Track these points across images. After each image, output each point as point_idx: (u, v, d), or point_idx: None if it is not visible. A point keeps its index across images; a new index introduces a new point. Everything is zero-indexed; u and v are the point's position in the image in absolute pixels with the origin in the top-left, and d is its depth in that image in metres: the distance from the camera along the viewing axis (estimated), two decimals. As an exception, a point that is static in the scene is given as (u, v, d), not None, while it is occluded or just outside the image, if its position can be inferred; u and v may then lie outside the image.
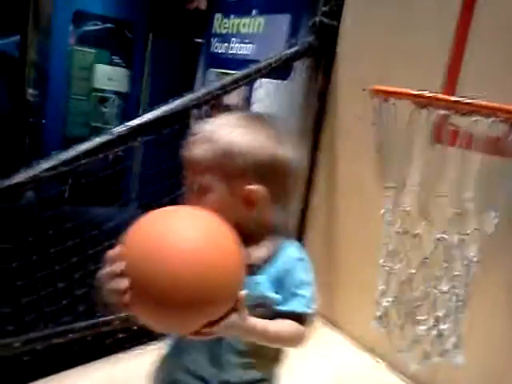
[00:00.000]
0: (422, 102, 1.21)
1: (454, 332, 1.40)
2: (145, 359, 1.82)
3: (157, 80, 4.72)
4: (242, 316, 0.77)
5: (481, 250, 1.34)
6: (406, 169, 1.42)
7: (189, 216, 0.76)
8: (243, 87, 1.88)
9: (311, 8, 2.04)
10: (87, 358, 1.77)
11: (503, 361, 1.59)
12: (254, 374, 0.89)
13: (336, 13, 1.96)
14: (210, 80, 3.06)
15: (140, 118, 1.61)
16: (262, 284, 0.84)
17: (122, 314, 1.87)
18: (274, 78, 2.09)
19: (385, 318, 1.53)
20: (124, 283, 0.68)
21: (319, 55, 2.02)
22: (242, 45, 2.81)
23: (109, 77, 4.65)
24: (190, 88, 2.90)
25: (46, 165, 1.46)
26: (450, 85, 1.68)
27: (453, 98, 1.16)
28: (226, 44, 3.00)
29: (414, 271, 1.45)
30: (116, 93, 4.71)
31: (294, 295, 0.84)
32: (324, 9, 1.95)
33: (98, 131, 4.48)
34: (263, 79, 2.02)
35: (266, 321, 0.82)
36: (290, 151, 0.86)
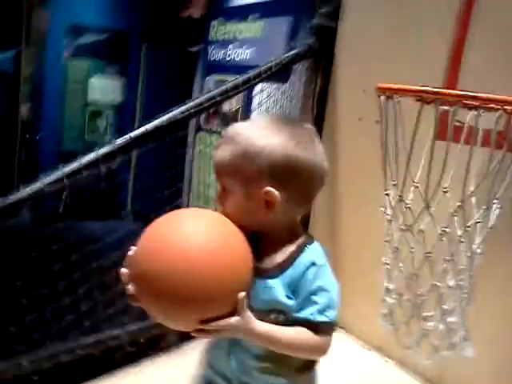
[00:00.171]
0: (427, 98, 1.19)
1: (461, 325, 1.39)
2: (154, 372, 1.82)
3: (152, 89, 4.71)
4: (243, 318, 0.76)
5: (484, 242, 1.33)
6: (408, 165, 1.40)
7: (191, 217, 0.81)
8: (243, 92, 1.86)
9: (311, 10, 2.04)
10: (96, 373, 1.74)
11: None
12: (278, 381, 0.86)
13: (334, 14, 1.96)
14: (209, 87, 3.05)
15: (142, 127, 1.59)
16: (276, 289, 0.82)
17: (130, 329, 1.86)
18: (273, 82, 2.08)
19: (391, 316, 1.52)
20: (130, 285, 0.76)
21: (318, 57, 2.01)
22: (240, 50, 2.80)
23: (103, 88, 4.64)
24: (186, 96, 2.89)
25: (48, 179, 1.44)
26: (451, 82, 1.68)
27: (459, 92, 1.15)
28: (224, 50, 2.98)
29: (418, 267, 1.44)
30: (110, 105, 4.70)
31: (308, 302, 0.81)
32: (322, 10, 1.94)
33: (92, 145, 4.51)
34: (263, 83, 2.01)
35: (277, 327, 0.80)
36: (313, 153, 0.83)
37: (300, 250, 0.83)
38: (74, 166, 1.53)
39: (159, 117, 1.67)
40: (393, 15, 1.90)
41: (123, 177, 3.86)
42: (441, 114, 1.26)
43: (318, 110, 2.06)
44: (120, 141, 1.58)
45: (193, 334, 0.77)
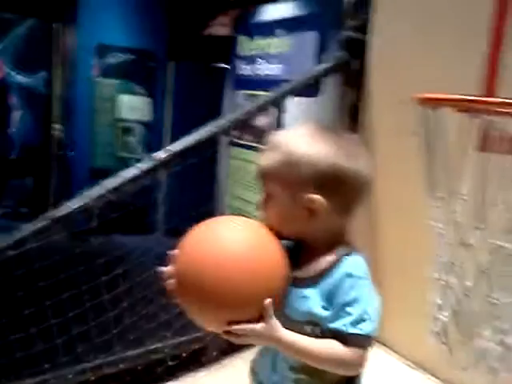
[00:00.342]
0: (472, 107, 1.19)
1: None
2: (194, 387, 1.83)
3: (179, 106, 4.80)
4: (269, 325, 0.77)
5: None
6: (454, 178, 1.39)
7: (230, 224, 0.84)
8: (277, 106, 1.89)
9: (338, 24, 2.06)
10: (138, 387, 1.76)
11: None
12: None
13: (363, 27, 1.98)
14: (239, 102, 3.09)
15: (181, 142, 1.63)
16: (311, 299, 0.81)
17: (171, 343, 1.88)
18: (304, 96, 2.10)
19: (444, 334, 1.47)
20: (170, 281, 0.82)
21: (349, 70, 2.02)
22: (269, 65, 2.84)
23: (132, 106, 4.75)
24: (213, 112, 2.94)
25: (95, 193, 1.49)
26: (490, 90, 1.66)
27: (509, 101, 1.14)
28: (253, 65, 3.03)
29: (471, 283, 1.40)
30: (139, 122, 4.80)
31: (342, 312, 0.79)
32: (352, 24, 1.96)
33: (123, 161, 4.62)
34: (294, 97, 2.03)
35: (305, 337, 0.80)
36: (358, 163, 0.83)
37: (339, 260, 0.82)
38: (117, 180, 1.57)
39: (196, 131, 1.70)
40: (423, 24, 1.89)
41: (156, 192, 3.92)
42: (484, 124, 1.25)
43: (350, 123, 2.07)
44: (162, 155, 1.62)
45: (222, 336, 0.80)
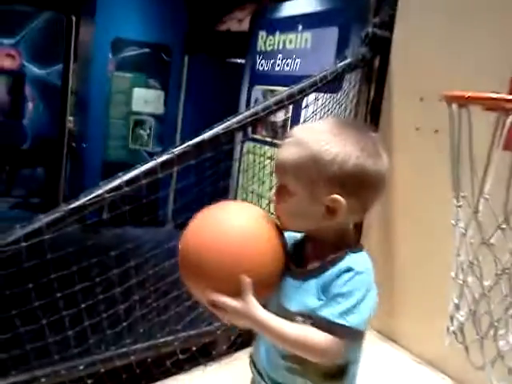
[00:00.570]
0: (499, 106, 1.15)
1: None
2: (204, 380, 1.82)
3: (193, 100, 4.79)
4: (246, 303, 0.78)
5: None
6: (477, 177, 1.35)
7: (233, 209, 0.90)
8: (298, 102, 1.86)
9: (360, 20, 2.03)
10: (148, 379, 1.75)
11: None
12: None
13: (388, 24, 1.94)
14: (256, 97, 3.07)
15: (199, 137, 1.61)
16: (309, 291, 0.82)
17: (181, 336, 1.87)
18: (324, 92, 2.07)
19: (461, 333, 1.45)
20: None
21: (372, 66, 1.99)
22: (288, 61, 2.81)
23: (145, 100, 4.75)
24: (228, 106, 2.93)
25: (110, 186, 1.47)
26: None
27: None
28: (272, 61, 3.01)
29: (491, 283, 1.37)
30: (152, 115, 4.81)
31: (332, 302, 0.79)
32: (376, 20, 1.93)
33: (136, 154, 4.62)
34: (314, 93, 2.00)
35: (283, 320, 0.80)
36: (380, 164, 0.83)
37: (342, 255, 0.82)
38: (133, 173, 1.55)
39: (214, 127, 1.68)
40: (449, 22, 1.86)
41: (166, 185, 3.92)
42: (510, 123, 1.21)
43: (371, 120, 2.04)
44: (178, 149, 1.60)
45: (207, 307, 0.83)
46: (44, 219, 1.43)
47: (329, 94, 2.13)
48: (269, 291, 0.84)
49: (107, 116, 4.63)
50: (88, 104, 4.62)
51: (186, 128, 4.72)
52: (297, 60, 2.77)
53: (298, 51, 2.76)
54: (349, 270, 0.80)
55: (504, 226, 1.31)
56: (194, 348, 1.85)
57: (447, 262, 1.47)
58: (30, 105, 5.41)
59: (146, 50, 4.65)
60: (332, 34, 2.45)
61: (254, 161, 2.36)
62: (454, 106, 1.19)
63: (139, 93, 4.73)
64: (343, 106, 2.05)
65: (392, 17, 1.94)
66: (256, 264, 0.81)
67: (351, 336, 0.79)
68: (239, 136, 2.39)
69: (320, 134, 0.83)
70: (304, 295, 0.82)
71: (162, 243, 1.91)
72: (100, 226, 2.23)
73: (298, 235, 0.91)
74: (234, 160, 2.83)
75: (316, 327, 0.79)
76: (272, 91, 2.75)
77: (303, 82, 1.76)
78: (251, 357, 0.96)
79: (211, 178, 2.08)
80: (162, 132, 4.85)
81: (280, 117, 2.63)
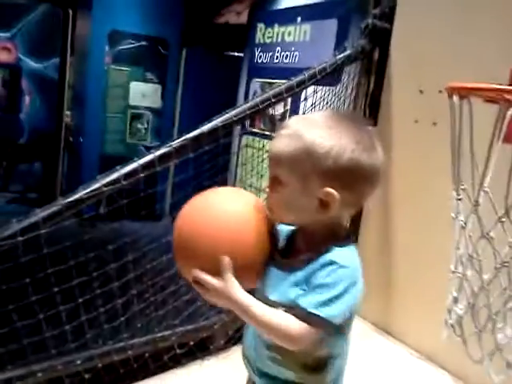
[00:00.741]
0: (500, 98, 1.14)
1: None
2: (201, 375, 1.81)
3: (189, 94, 4.76)
4: (225, 283, 0.80)
5: None
6: (477, 169, 1.34)
7: (218, 194, 0.91)
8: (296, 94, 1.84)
9: (360, 11, 2.01)
10: (145, 374, 1.75)
11: None
12: (288, 374, 0.85)
13: (388, 15, 1.92)
14: (255, 89, 3.05)
15: (197, 130, 1.59)
16: (294, 282, 0.82)
17: (179, 331, 1.86)
18: (323, 85, 2.05)
19: (459, 327, 1.44)
20: None
21: (371, 58, 1.97)
22: (287, 53, 2.79)
23: (142, 93, 4.72)
24: (227, 99, 2.90)
25: (107, 179, 1.45)
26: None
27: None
28: (271, 53, 2.98)
29: (490, 276, 1.37)
30: (149, 109, 4.77)
31: (311, 293, 0.79)
32: (376, 11, 1.91)
33: (133, 148, 4.60)
34: (313, 86, 1.98)
35: (261, 304, 0.80)
36: (375, 158, 0.82)
37: (329, 249, 0.81)
38: (131, 167, 1.54)
39: (212, 120, 1.66)
40: (450, 15, 1.84)
41: (164, 179, 3.90)
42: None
43: (370, 113, 2.03)
44: (176, 142, 1.58)
45: (192, 285, 0.84)
46: (41, 213, 1.41)
47: (328, 87, 2.11)
48: (251, 276, 0.85)
49: (104, 110, 4.59)
50: (85, 98, 4.59)
51: (184, 122, 4.69)
52: (296, 52, 2.74)
53: (297, 43, 2.73)
54: (332, 262, 0.79)
55: (504, 220, 1.31)
56: (191, 342, 1.84)
57: (446, 254, 1.47)
58: (27, 99, 5.38)
59: (144, 43, 4.61)
60: (331, 25, 2.43)
61: (253, 154, 2.35)
62: (455, 98, 1.18)
63: (136, 86, 4.70)
64: (342, 98, 2.03)
65: (392, 8, 1.92)
66: (237, 247, 0.82)
67: (325, 328, 0.79)
68: (237, 129, 2.37)
69: (315, 126, 0.81)
70: (288, 286, 0.82)
71: (159, 237, 1.89)
72: (97, 220, 2.23)
73: (293, 228, 0.90)
74: (232, 153, 2.82)
75: (294, 316, 0.79)
76: (271, 84, 2.73)
77: (302, 75, 1.74)
78: (242, 347, 0.95)
79: (209, 172, 2.06)
80: (159, 126, 4.82)
81: (279, 110, 2.61)
